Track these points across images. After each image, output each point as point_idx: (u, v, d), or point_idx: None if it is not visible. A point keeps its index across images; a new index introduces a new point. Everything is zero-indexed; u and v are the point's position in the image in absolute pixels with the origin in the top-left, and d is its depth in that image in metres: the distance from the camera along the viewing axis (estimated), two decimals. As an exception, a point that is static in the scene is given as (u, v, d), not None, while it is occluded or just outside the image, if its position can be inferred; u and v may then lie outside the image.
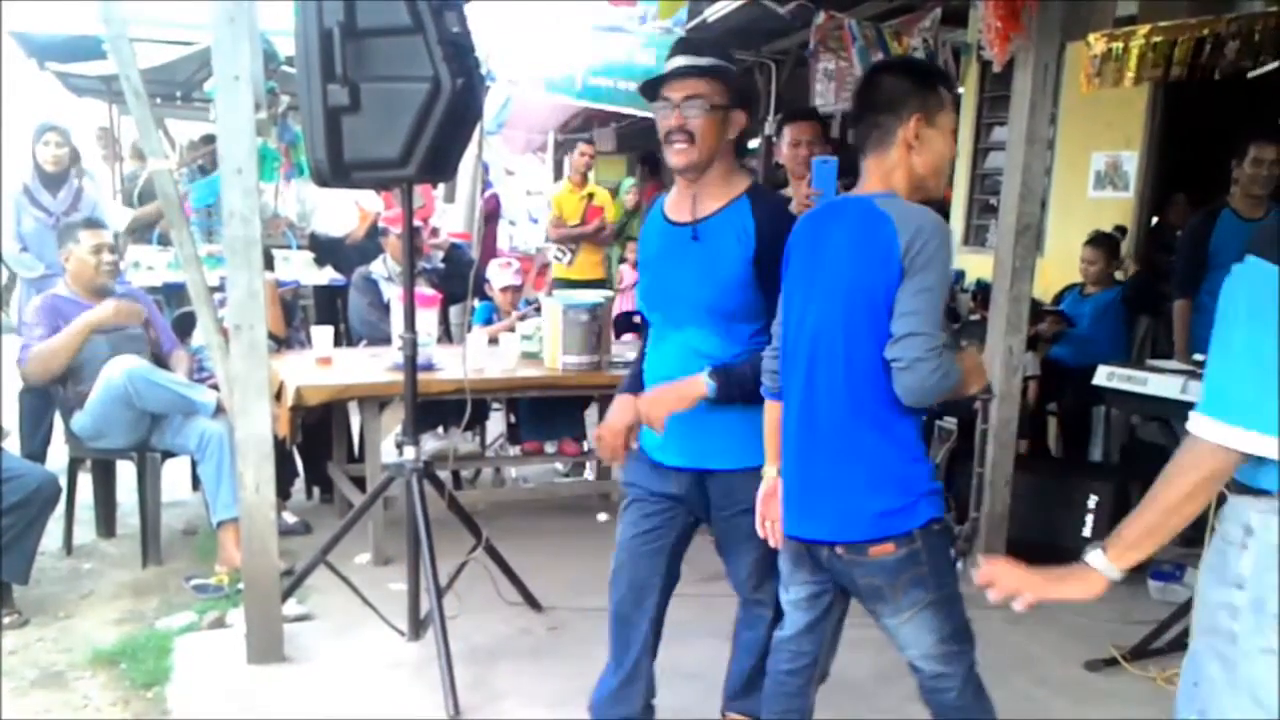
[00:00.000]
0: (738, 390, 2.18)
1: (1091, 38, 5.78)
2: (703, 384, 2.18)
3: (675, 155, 2.19)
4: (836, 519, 1.97)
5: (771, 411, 2.14)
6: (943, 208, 9.46)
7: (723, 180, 2.23)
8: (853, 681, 3.11)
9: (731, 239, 2.20)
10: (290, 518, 4.25)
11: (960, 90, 7.18)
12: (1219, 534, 1.47)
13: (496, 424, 5.46)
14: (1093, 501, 3.99)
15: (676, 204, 2.30)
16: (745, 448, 2.22)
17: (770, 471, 2.17)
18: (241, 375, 2.94)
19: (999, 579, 1.61)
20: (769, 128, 7.95)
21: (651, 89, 2.24)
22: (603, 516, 4.67)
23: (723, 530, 2.37)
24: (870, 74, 2.12)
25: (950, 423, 4.84)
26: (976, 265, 6.76)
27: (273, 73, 4.68)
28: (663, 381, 2.27)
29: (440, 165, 2.77)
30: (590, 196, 6.51)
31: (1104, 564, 1.49)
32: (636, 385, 2.39)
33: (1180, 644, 3.17)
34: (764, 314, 2.21)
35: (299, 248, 5.29)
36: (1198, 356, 3.79)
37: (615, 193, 7.23)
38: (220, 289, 3.49)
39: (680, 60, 2.20)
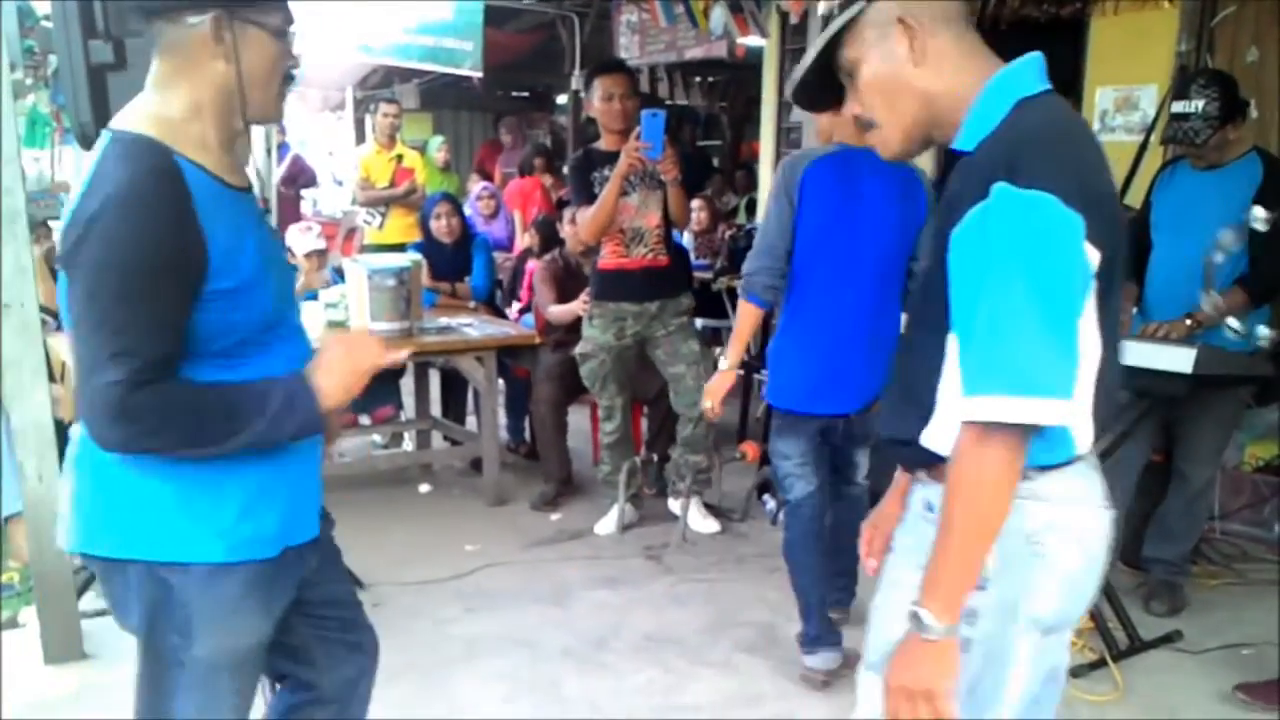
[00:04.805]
0: None
1: (885, -12, 6.01)
2: None
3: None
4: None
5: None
6: (747, 164, 9.73)
7: None
8: (682, 636, 3.21)
9: None
10: (87, 507, 3.98)
11: (764, 43, 7.34)
12: None
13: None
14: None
15: None
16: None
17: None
18: (14, 357, 2.77)
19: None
20: (576, 82, 7.91)
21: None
22: (425, 487, 4.62)
23: None
24: None
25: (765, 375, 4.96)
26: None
27: (29, 31, 4.28)
28: None
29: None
30: (399, 158, 6.32)
31: (940, 626, 1.23)
32: None
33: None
34: None
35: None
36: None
37: (423, 151, 7.03)
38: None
39: None
